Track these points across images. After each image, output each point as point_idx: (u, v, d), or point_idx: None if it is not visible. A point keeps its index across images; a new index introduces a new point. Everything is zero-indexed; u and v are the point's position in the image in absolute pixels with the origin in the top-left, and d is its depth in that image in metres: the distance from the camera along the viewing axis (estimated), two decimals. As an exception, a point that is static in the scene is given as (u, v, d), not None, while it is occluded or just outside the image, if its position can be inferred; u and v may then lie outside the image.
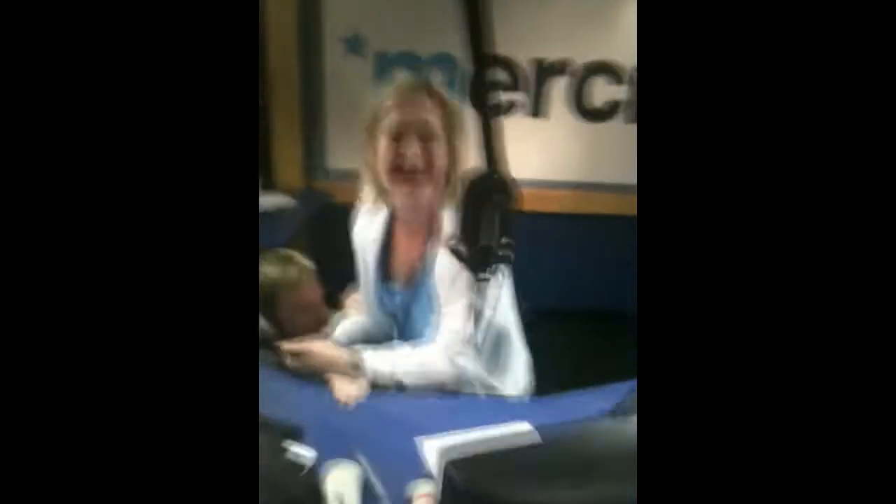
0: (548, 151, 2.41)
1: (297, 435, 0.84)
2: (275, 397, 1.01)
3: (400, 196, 1.06)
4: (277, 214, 2.05)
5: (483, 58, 0.65)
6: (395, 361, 1.07)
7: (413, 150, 0.99)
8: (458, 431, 0.93)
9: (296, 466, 0.80)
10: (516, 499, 0.39)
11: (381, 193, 1.11)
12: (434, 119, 1.00)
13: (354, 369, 1.06)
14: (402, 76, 1.10)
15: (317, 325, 1.31)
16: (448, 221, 1.03)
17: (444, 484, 0.41)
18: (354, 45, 2.28)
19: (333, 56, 2.28)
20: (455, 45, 2.24)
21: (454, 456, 0.41)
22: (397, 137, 1.00)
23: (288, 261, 1.30)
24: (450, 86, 2.23)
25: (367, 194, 1.15)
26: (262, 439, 0.79)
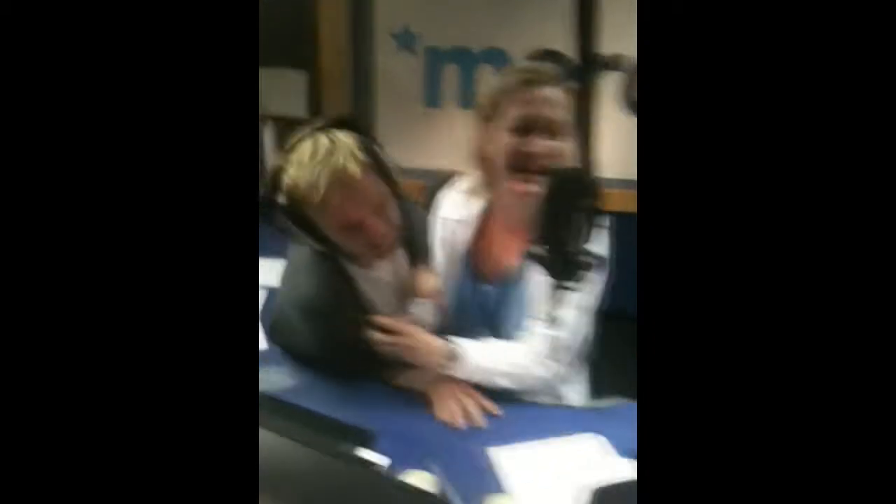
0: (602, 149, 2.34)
1: (368, 441, 0.83)
2: (346, 399, 1.00)
3: (512, 195, 0.96)
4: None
5: (589, 53, 0.63)
6: (494, 358, 0.97)
7: (540, 149, 0.91)
8: (528, 442, 0.90)
9: (368, 474, 0.79)
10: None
11: (487, 185, 1.03)
12: (562, 110, 0.91)
13: (452, 360, 0.95)
14: (518, 65, 0.99)
15: (387, 251, 1.00)
16: None
17: None
18: (405, 40, 2.26)
19: (385, 53, 2.27)
20: (505, 39, 2.21)
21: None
22: (522, 132, 0.92)
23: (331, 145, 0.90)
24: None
25: (465, 181, 1.08)
26: (333, 444, 0.78)
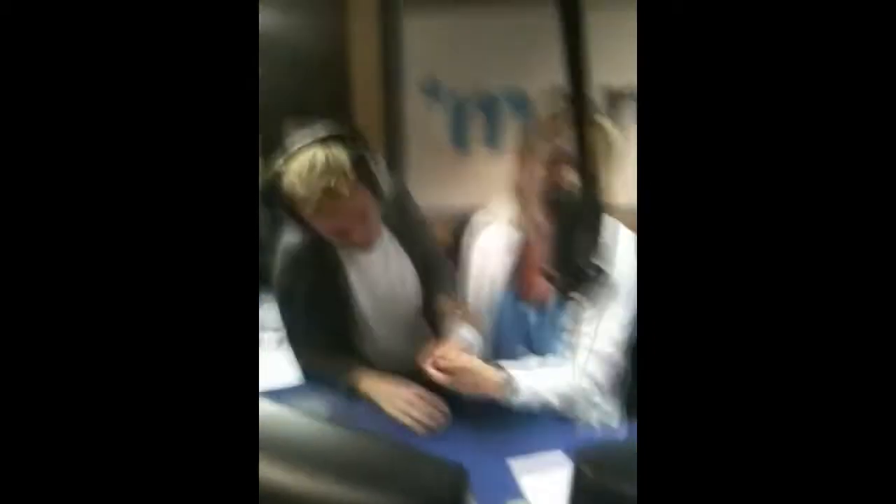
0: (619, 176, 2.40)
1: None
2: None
3: (547, 221, 1.04)
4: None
5: (583, 89, 0.69)
6: (545, 383, 1.03)
7: (569, 178, 0.98)
8: (549, 453, 0.93)
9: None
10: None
11: (525, 216, 1.12)
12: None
13: (508, 389, 1.00)
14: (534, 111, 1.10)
15: (372, 245, 1.15)
16: None
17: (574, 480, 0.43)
18: (432, 89, 2.41)
19: (413, 102, 2.43)
20: (524, 79, 2.32)
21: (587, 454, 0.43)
22: (553, 164, 1.00)
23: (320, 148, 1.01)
24: (520, 118, 2.30)
25: (501, 213, 1.19)
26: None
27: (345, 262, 1.22)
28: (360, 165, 1.03)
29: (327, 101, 2.41)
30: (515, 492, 0.84)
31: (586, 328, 1.03)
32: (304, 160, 1.00)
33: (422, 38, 2.38)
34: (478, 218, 1.28)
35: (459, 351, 1.02)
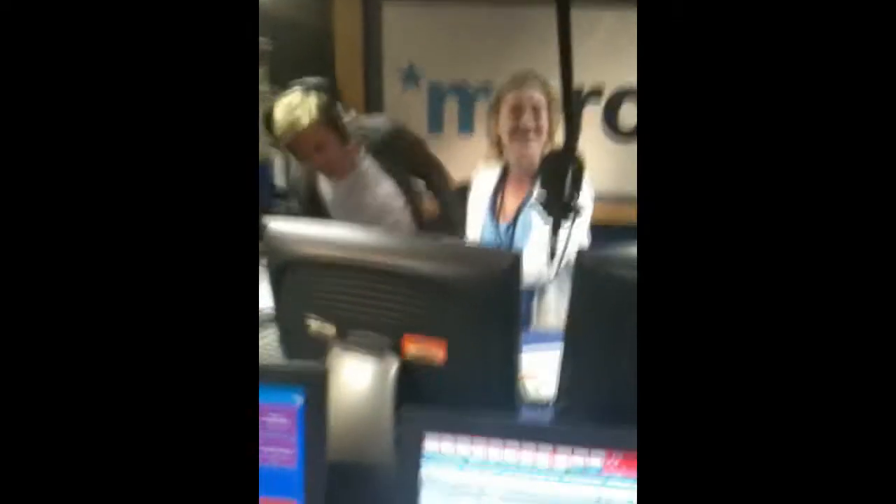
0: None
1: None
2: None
3: (515, 151, 1.43)
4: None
5: (569, 77, 0.92)
6: None
7: (527, 118, 1.39)
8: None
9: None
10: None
11: (500, 153, 1.50)
12: (540, 97, 1.40)
13: None
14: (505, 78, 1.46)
15: (336, 175, 1.54)
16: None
17: (575, 269, 0.61)
18: (411, 76, 2.58)
19: (393, 86, 2.59)
20: (499, 73, 2.51)
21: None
22: (515, 110, 1.40)
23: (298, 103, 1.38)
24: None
25: (486, 158, 1.56)
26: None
27: (319, 185, 1.61)
28: (327, 108, 1.41)
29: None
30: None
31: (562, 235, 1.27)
32: (286, 99, 1.39)
33: (402, 26, 2.55)
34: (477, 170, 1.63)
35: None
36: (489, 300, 0.60)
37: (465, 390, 0.65)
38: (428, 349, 0.61)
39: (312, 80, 1.42)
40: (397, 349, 0.62)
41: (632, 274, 0.57)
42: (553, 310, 1.42)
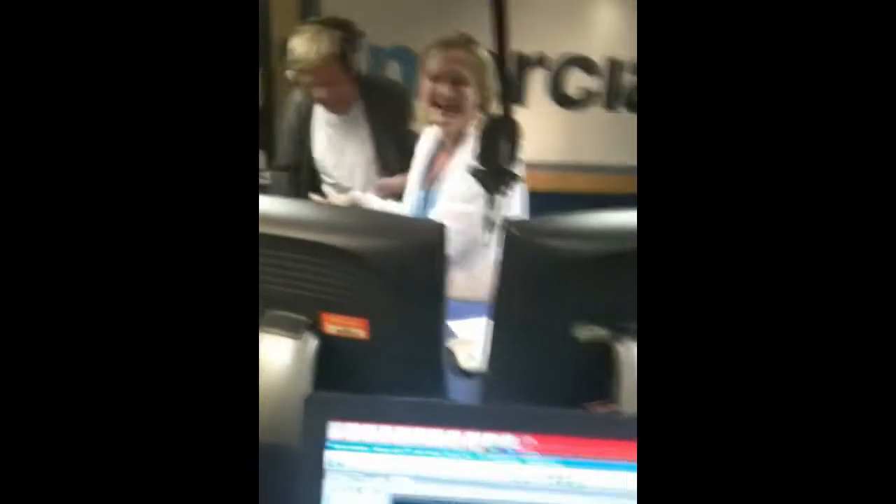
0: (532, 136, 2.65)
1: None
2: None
3: (436, 124, 1.37)
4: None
5: (505, 48, 0.89)
6: None
7: (444, 91, 1.29)
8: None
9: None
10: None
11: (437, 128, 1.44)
12: (465, 67, 1.29)
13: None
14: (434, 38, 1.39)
15: (337, 109, 1.61)
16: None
17: (503, 238, 0.58)
18: (351, 38, 2.48)
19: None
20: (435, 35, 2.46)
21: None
22: (434, 80, 1.30)
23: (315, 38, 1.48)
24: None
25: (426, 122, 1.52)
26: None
27: (314, 116, 1.68)
28: (342, 44, 1.48)
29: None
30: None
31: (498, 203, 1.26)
32: (302, 31, 1.49)
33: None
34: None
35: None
36: (412, 273, 0.57)
37: (389, 366, 0.63)
38: (349, 327, 0.58)
39: (330, 17, 1.55)
40: (316, 327, 0.58)
41: (563, 244, 0.56)
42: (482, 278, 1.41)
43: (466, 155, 1.28)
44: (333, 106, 1.61)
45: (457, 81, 1.29)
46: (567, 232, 0.58)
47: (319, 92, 1.55)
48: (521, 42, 2.47)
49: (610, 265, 0.58)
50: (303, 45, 1.46)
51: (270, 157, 1.95)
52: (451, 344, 0.98)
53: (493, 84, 1.32)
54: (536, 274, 0.60)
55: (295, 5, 2.44)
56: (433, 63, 1.31)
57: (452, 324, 1.05)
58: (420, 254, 0.58)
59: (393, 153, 1.66)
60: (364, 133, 1.67)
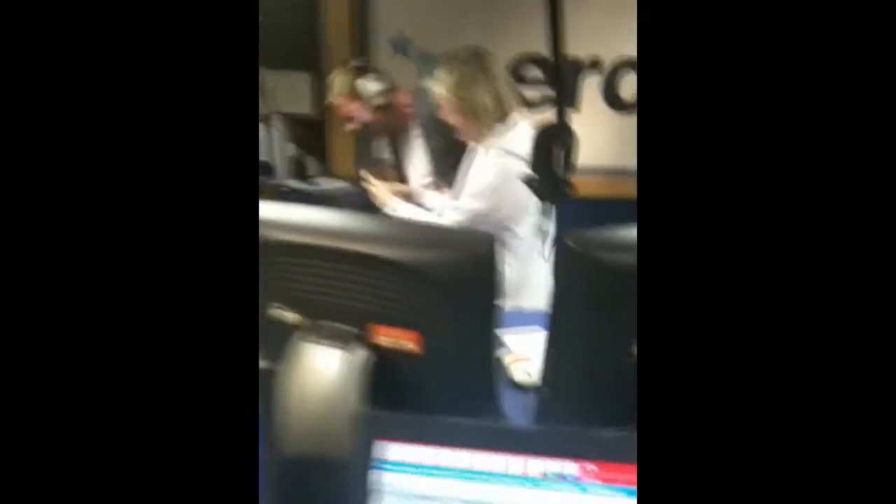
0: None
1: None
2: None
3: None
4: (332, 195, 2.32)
5: (560, 54, 0.87)
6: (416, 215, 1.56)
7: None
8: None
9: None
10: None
11: None
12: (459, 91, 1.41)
13: (389, 208, 1.61)
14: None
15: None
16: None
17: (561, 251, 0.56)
18: (401, 45, 2.50)
19: (382, 56, 2.51)
20: (490, 43, 2.44)
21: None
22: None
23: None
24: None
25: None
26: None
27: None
28: (351, 86, 1.72)
29: (296, 50, 2.46)
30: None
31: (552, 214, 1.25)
32: (334, 75, 1.79)
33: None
34: None
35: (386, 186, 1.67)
36: (465, 287, 0.55)
37: (442, 381, 0.61)
38: (399, 340, 0.57)
39: (354, 61, 1.85)
40: (366, 340, 0.57)
41: (625, 258, 0.52)
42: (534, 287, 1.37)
43: (479, 157, 1.34)
44: (374, 134, 1.86)
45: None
46: (625, 245, 0.55)
47: (347, 125, 1.81)
48: (575, 45, 2.43)
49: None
50: (329, 87, 1.78)
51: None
52: (506, 358, 0.96)
53: (506, 91, 1.37)
54: (594, 289, 0.57)
55: (348, 17, 2.47)
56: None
57: (507, 336, 1.03)
58: (472, 266, 0.56)
59: (442, 163, 1.73)
60: (418, 144, 1.80)
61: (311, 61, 2.48)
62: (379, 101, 1.71)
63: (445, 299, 0.55)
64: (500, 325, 0.60)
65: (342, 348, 0.56)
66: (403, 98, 1.75)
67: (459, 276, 0.55)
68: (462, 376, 0.61)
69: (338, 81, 1.74)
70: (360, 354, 0.56)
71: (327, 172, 2.56)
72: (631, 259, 0.56)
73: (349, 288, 0.58)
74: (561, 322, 0.60)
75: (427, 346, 0.58)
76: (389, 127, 1.82)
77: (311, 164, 2.55)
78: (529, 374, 0.91)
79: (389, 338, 0.57)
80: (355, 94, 1.71)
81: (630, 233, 0.58)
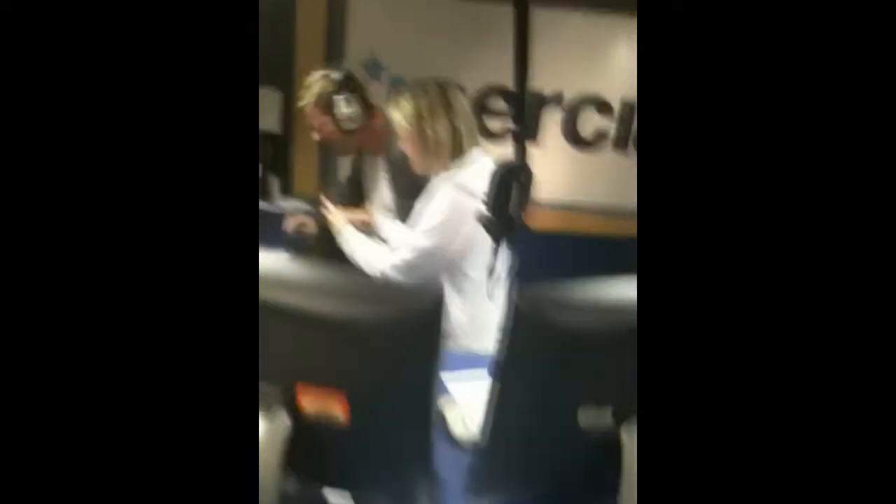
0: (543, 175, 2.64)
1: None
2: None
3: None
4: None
5: (524, 88, 0.88)
6: (362, 244, 1.49)
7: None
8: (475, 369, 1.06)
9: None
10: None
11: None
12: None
13: (339, 235, 1.54)
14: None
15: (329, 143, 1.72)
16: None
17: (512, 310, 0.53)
18: (373, 69, 2.50)
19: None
20: (460, 72, 2.48)
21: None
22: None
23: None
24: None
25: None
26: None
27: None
28: (323, 96, 1.58)
29: (268, 69, 2.43)
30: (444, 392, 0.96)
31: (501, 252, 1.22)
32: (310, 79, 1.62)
33: (366, 17, 2.46)
34: None
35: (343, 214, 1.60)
36: (403, 347, 0.52)
37: (373, 445, 0.58)
38: (326, 403, 0.53)
39: (334, 70, 1.62)
40: (290, 402, 0.54)
41: (573, 320, 0.52)
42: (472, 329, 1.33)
43: (435, 191, 1.29)
44: (339, 149, 1.74)
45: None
46: (576, 305, 0.54)
47: (314, 134, 1.69)
48: (541, 79, 2.48)
49: (623, 342, 0.54)
50: (302, 90, 1.63)
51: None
52: (446, 407, 0.92)
53: (466, 128, 1.28)
54: (543, 350, 0.55)
55: (321, 36, 2.47)
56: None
57: (451, 381, 0.99)
58: (413, 324, 0.52)
59: (405, 195, 1.64)
60: (384, 172, 1.71)
61: (281, 78, 2.45)
62: (349, 125, 1.60)
63: (382, 360, 0.52)
64: (442, 370, 0.58)
65: (264, 414, 0.53)
66: (377, 122, 1.65)
67: (398, 335, 0.52)
68: (394, 440, 0.57)
69: (315, 88, 1.60)
70: (284, 420, 0.53)
71: (289, 190, 2.52)
72: (581, 319, 0.56)
73: (272, 343, 0.54)
74: (507, 380, 0.58)
75: (359, 410, 0.54)
76: (356, 148, 1.74)
77: (273, 182, 2.51)
78: (468, 427, 0.87)
79: (315, 400, 0.54)
80: (328, 108, 1.61)
81: (581, 290, 0.57)
